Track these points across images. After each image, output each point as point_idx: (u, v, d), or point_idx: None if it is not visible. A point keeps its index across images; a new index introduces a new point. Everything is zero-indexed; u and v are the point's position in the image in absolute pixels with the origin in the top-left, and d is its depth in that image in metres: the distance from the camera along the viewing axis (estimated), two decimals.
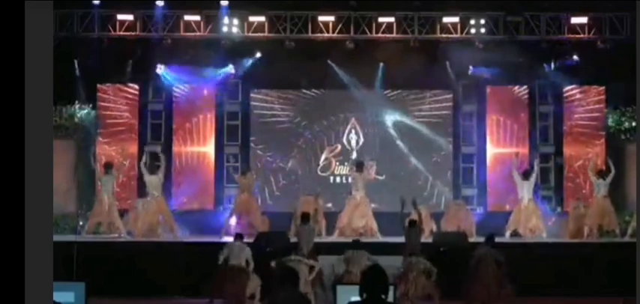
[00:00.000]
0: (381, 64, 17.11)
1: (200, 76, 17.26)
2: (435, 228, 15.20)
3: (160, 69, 17.02)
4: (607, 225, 15.08)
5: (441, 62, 16.92)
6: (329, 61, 16.84)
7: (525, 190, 15.46)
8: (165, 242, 14.54)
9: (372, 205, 15.64)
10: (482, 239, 12.69)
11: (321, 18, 16.49)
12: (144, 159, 15.74)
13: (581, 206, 15.57)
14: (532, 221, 15.31)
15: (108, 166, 15.51)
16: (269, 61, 16.87)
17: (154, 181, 15.29)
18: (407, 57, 16.47)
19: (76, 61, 16.63)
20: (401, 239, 12.59)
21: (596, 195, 15.30)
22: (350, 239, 13.27)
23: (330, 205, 16.36)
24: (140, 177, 16.16)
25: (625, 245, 13.87)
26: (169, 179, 17.14)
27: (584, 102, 17.36)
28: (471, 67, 16.98)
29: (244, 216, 15.58)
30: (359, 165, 15.73)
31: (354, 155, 17.47)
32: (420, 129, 17.62)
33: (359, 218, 15.17)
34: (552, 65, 17.03)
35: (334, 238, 14.77)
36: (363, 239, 13.52)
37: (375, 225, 15.09)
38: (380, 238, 14.80)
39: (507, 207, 16.39)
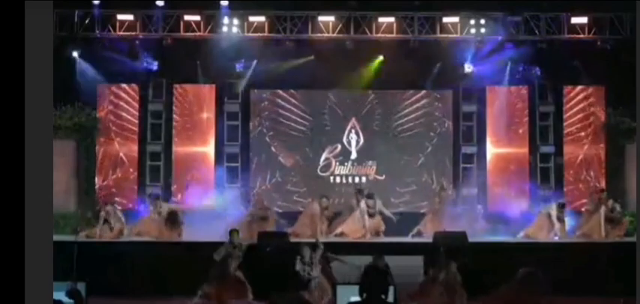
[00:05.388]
0: (381, 64, 17.10)
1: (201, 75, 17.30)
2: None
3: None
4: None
5: (441, 62, 16.93)
6: (329, 61, 16.82)
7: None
8: (165, 242, 14.54)
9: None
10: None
11: (321, 18, 16.49)
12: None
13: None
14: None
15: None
16: (269, 61, 16.87)
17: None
18: (407, 57, 16.47)
19: (76, 61, 16.63)
20: (401, 239, 12.60)
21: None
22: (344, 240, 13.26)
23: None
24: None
25: (625, 245, 13.87)
26: (169, 179, 17.16)
27: (584, 102, 17.35)
28: (470, 67, 16.98)
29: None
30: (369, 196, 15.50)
31: (354, 155, 17.47)
32: (420, 130, 17.61)
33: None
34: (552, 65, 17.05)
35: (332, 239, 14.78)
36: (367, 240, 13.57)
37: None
38: (382, 238, 14.84)
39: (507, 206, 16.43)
